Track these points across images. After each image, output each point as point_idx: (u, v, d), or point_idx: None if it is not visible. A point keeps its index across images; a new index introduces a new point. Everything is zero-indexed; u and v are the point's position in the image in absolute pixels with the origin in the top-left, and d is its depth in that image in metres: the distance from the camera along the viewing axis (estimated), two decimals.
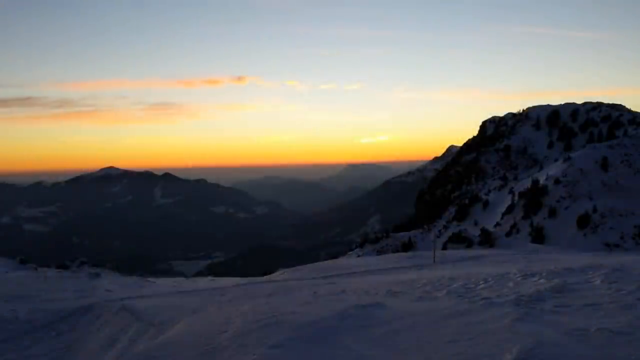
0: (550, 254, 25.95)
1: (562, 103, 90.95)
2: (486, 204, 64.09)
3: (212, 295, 16.01)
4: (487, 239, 37.94)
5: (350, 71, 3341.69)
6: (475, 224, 57.02)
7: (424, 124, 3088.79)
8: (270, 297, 12.73)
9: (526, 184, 59.95)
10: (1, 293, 18.15)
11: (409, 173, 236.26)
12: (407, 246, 45.03)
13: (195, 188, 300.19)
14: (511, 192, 61.41)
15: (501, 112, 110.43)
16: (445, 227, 58.59)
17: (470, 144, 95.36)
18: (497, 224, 54.39)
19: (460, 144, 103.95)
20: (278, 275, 23.72)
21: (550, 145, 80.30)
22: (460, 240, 39.21)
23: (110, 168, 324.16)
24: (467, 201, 67.57)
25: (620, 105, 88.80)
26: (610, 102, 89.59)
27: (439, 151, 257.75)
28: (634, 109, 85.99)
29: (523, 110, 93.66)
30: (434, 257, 24.07)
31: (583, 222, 47.26)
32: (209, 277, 29.75)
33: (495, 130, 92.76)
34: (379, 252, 42.94)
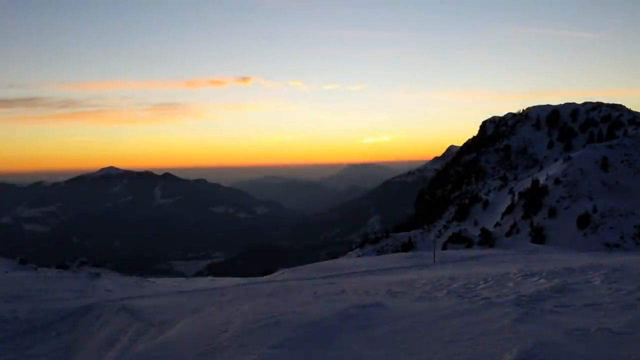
0: (550, 254, 25.99)
1: (562, 103, 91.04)
2: (486, 204, 64.11)
3: (212, 295, 15.99)
4: (487, 239, 37.99)
5: (353, 72, 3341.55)
6: (475, 224, 57.06)
7: (424, 124, 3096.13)
8: (270, 297, 12.72)
9: (526, 184, 59.95)
10: (1, 293, 18.13)
11: (409, 173, 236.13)
12: (407, 246, 45.00)
13: (195, 188, 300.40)
14: (511, 192, 61.41)
15: (501, 112, 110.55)
16: (445, 227, 58.55)
17: (470, 144, 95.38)
18: (497, 224, 54.42)
19: (460, 144, 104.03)
20: (278, 275, 23.72)
21: (550, 145, 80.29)
22: (460, 240, 39.26)
23: (111, 168, 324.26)
24: (467, 201, 67.60)
25: (620, 105, 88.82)
26: (610, 102, 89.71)
27: (439, 151, 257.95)
28: (634, 109, 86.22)
29: (523, 110, 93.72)
30: (434, 257, 24.09)
31: (583, 222, 47.28)
32: (209, 277, 29.80)
33: (495, 130, 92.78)
34: (379, 252, 42.93)
